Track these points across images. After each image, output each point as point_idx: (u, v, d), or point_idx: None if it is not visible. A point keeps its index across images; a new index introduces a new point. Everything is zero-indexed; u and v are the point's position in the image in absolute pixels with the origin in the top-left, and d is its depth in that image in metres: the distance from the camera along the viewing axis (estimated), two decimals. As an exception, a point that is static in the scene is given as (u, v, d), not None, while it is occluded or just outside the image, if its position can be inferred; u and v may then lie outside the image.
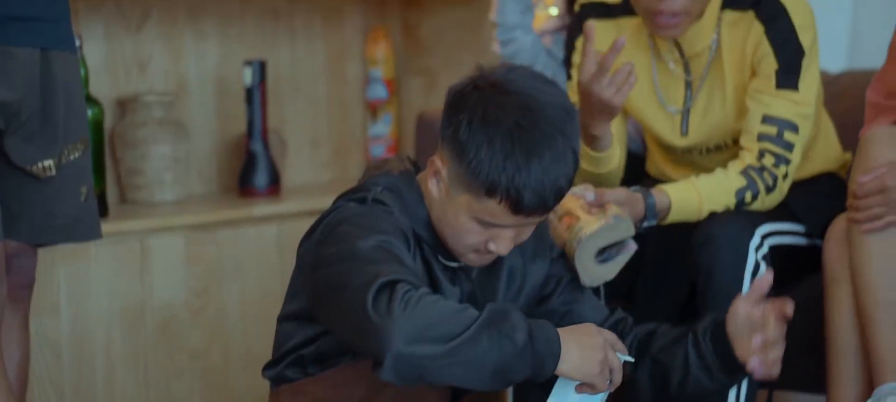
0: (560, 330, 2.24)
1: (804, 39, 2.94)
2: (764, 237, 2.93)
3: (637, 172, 3.26)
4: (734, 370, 2.49)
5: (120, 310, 3.37)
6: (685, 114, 3.05)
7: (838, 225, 2.90)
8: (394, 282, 2.15)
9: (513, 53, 3.54)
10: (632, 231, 2.67)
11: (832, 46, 4.55)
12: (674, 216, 2.90)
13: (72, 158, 2.75)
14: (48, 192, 2.72)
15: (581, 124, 2.81)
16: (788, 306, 2.47)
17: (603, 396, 2.32)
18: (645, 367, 2.55)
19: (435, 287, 2.41)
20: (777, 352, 2.47)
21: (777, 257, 2.96)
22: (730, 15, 2.99)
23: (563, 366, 2.22)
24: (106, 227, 3.27)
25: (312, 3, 4.17)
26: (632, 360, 2.41)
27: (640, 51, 3.06)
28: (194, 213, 3.58)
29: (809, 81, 2.95)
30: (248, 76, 3.83)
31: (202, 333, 3.51)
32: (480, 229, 2.33)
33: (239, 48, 4.00)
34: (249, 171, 3.85)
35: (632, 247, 2.68)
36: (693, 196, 2.91)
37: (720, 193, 2.92)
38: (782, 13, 2.94)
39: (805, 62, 2.94)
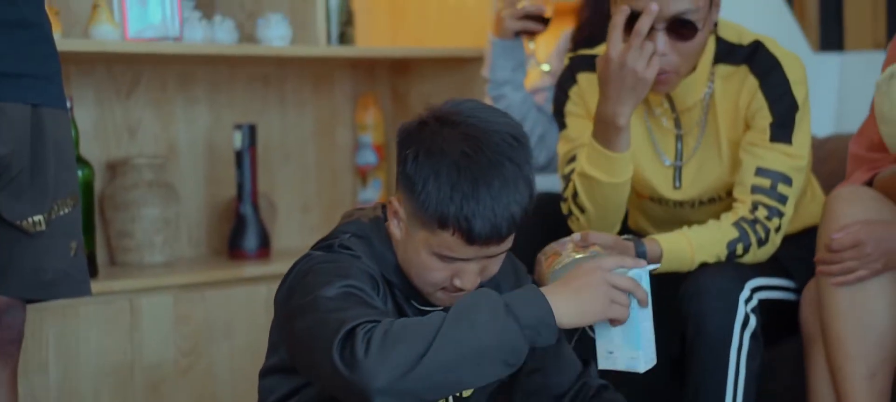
0: (550, 286, 2.23)
1: (798, 94, 2.96)
2: (754, 290, 2.93)
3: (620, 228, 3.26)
4: None
5: (109, 369, 3.36)
6: (678, 168, 3.07)
7: (811, 288, 2.95)
8: (353, 329, 2.14)
9: (503, 109, 3.58)
10: None
11: (820, 112, 4.60)
12: (665, 266, 2.90)
13: (61, 213, 2.75)
14: (37, 247, 2.71)
15: (602, 120, 2.87)
16: None
17: (646, 311, 2.30)
18: None
19: None
20: None
21: (767, 310, 2.96)
22: (723, 69, 3.01)
23: (564, 320, 2.20)
24: (95, 286, 3.29)
25: (302, 69, 4.20)
26: (655, 266, 2.39)
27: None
28: (184, 273, 3.58)
29: (802, 136, 2.97)
30: (237, 140, 3.85)
31: (191, 392, 3.50)
32: (443, 265, 2.32)
33: (229, 114, 4.03)
34: (239, 234, 3.86)
35: None
36: (685, 246, 2.92)
37: (712, 244, 2.93)
38: (777, 67, 2.97)
39: (798, 116, 2.96)
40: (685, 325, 2.91)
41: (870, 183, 2.97)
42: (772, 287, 3.00)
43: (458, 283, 2.33)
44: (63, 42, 3.28)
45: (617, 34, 2.84)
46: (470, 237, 2.26)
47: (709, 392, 2.88)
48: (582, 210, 3.01)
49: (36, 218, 2.71)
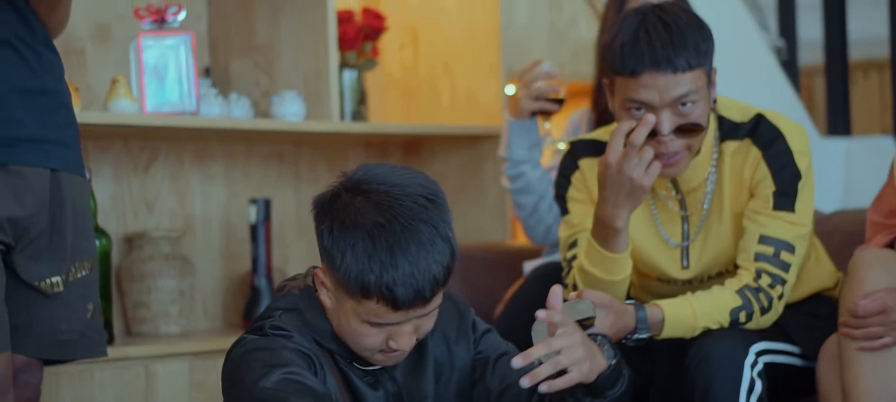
0: None
1: (800, 163, 2.99)
2: (758, 355, 2.94)
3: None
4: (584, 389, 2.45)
5: (124, 434, 3.42)
6: (685, 249, 3.10)
7: (831, 344, 2.96)
8: None
9: (522, 188, 3.65)
10: (591, 313, 2.62)
11: (828, 191, 4.67)
12: (668, 332, 2.93)
13: (79, 275, 2.80)
14: (55, 307, 2.76)
15: (601, 221, 2.90)
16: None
17: None
18: None
19: (356, 398, 2.43)
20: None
21: (772, 375, 2.97)
22: (730, 145, 3.04)
23: None
24: (112, 351, 3.34)
25: (316, 147, 4.28)
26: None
27: None
28: (199, 341, 3.64)
29: (805, 203, 3.00)
30: (252, 214, 3.93)
31: (205, 460, 3.55)
32: (375, 331, 2.35)
33: (244, 189, 4.11)
34: (254, 306, 3.91)
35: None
36: (687, 311, 2.93)
37: (715, 310, 2.94)
38: (779, 138, 3.00)
39: (801, 185, 2.99)
40: (691, 392, 2.92)
41: (891, 245, 3.01)
42: (777, 351, 3.01)
43: (393, 345, 2.36)
44: (82, 115, 3.36)
45: (618, 140, 2.86)
46: (395, 304, 2.29)
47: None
48: None
49: (54, 279, 2.75)
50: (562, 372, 2.37)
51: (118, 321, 3.79)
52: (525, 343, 3.17)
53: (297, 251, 4.24)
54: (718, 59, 3.41)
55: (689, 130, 2.89)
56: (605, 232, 2.92)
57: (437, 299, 2.36)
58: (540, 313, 2.42)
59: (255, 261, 3.94)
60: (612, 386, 2.45)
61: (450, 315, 2.56)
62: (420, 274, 2.29)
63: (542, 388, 2.34)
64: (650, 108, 2.87)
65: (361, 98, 4.19)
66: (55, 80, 2.77)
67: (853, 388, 2.84)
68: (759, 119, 3.03)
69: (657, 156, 2.91)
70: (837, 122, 5.78)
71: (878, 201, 3.09)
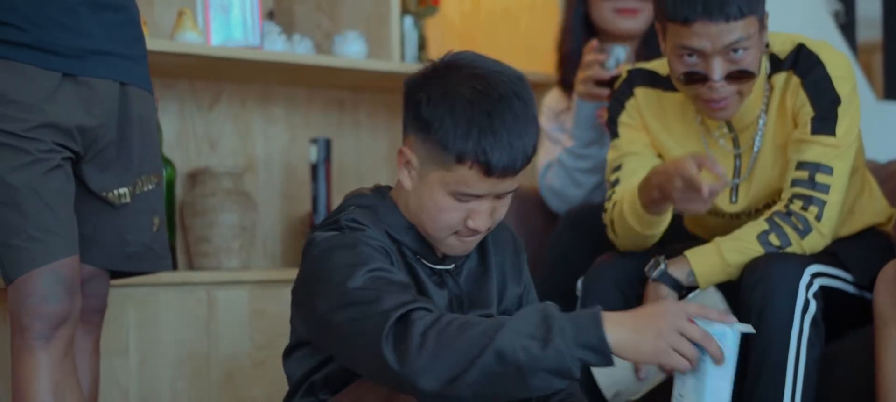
0: (618, 313, 2.21)
1: (840, 88, 3.00)
2: (813, 276, 2.96)
3: (676, 228, 3.28)
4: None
5: (187, 357, 3.47)
6: (735, 185, 3.12)
7: (889, 270, 2.95)
8: (403, 317, 2.21)
9: (590, 167, 3.68)
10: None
11: (885, 151, 4.67)
12: (704, 278, 2.99)
13: (146, 189, 2.85)
14: (122, 219, 2.82)
15: (654, 188, 2.93)
16: None
17: (721, 370, 2.24)
18: None
19: (421, 292, 2.44)
20: None
21: (827, 298, 2.99)
22: (778, 79, 3.06)
23: (619, 350, 2.20)
24: (175, 277, 3.41)
25: (376, 94, 4.32)
26: (747, 329, 2.29)
27: (689, 126, 3.14)
28: (260, 271, 3.70)
29: (846, 127, 3.00)
30: (313, 153, 3.98)
31: (265, 385, 3.59)
32: (457, 205, 2.38)
33: (305, 132, 4.16)
34: (313, 244, 3.96)
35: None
36: (711, 252, 2.99)
37: (740, 239, 2.98)
38: (818, 65, 3.01)
39: (841, 109, 3.00)
40: (748, 314, 2.94)
41: None
42: (831, 276, 3.02)
43: (470, 224, 2.39)
44: (150, 42, 3.42)
45: (690, 163, 2.84)
46: (488, 170, 2.33)
47: (769, 378, 2.91)
48: (616, 235, 3.11)
49: (121, 190, 2.81)
50: None
51: (181, 256, 3.84)
52: (562, 286, 3.24)
53: (357, 195, 4.28)
54: (775, 22, 3.44)
55: (740, 76, 2.92)
56: (651, 198, 2.96)
57: (520, 177, 2.41)
58: None
59: (315, 200, 3.99)
60: None
61: (507, 245, 2.62)
62: (515, 143, 2.34)
63: None
64: (702, 54, 2.90)
65: (422, 44, 4.23)
66: (124, -4, 2.83)
67: None
68: (801, 49, 3.05)
69: (707, 100, 2.95)
70: (894, 87, 5.78)
71: None
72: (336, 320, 2.26)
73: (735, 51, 2.89)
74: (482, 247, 2.57)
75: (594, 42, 3.62)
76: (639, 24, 3.71)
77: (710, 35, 2.87)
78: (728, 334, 2.22)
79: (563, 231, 3.56)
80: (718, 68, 2.89)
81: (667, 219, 3.03)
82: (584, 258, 3.29)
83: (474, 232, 2.42)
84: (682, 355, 2.20)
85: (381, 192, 2.52)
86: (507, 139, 2.33)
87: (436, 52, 4.44)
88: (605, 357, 2.20)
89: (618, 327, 2.21)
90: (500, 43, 4.46)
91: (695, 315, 2.23)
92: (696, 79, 2.93)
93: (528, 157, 2.38)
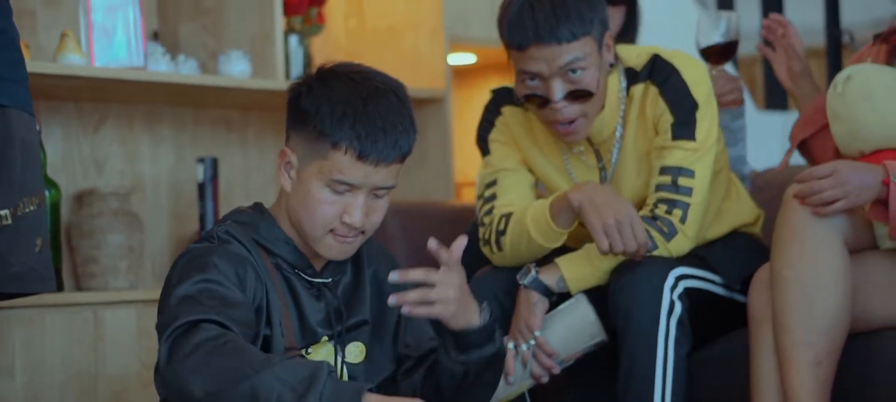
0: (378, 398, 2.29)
1: (697, 94, 3.08)
2: (678, 278, 3.04)
3: None
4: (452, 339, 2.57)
5: (74, 377, 3.47)
6: None
7: (763, 273, 3.04)
8: (192, 324, 2.30)
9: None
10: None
11: (765, 159, 4.78)
12: (576, 285, 3.07)
13: (28, 210, 2.82)
14: (4, 241, 2.77)
15: (566, 205, 3.00)
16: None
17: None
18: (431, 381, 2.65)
19: (297, 305, 2.54)
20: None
21: (695, 300, 3.06)
22: (636, 90, 3.13)
23: None
24: (61, 298, 3.42)
25: (263, 113, 4.35)
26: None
27: (552, 145, 3.21)
28: (147, 290, 3.71)
29: (705, 130, 3.08)
30: (200, 173, 4.00)
31: (153, 404, 3.60)
32: (333, 198, 2.48)
33: (192, 152, 4.18)
34: (201, 262, 3.97)
35: None
36: (582, 257, 3.08)
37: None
38: (674, 72, 3.10)
39: (699, 114, 3.08)
40: (616, 318, 3.03)
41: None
42: (697, 278, 3.10)
43: (346, 219, 2.49)
44: (32, 65, 3.42)
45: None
46: (361, 154, 2.44)
47: (639, 379, 2.99)
48: (500, 249, 3.16)
49: (2, 212, 2.77)
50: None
51: (68, 278, 3.84)
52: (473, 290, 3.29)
53: (245, 213, 4.30)
54: (657, 38, 3.51)
55: (579, 96, 3.01)
56: (559, 207, 3.03)
57: (394, 176, 2.51)
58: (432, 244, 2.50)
59: (202, 219, 4.01)
60: (479, 347, 2.58)
61: (382, 261, 2.71)
62: (388, 131, 2.47)
63: (404, 310, 2.47)
64: (541, 77, 3.00)
65: (308, 62, 4.27)
66: (4, 18, 2.81)
67: (782, 311, 2.92)
68: (656, 59, 3.13)
69: (553, 123, 3.05)
70: (775, 98, 5.92)
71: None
72: (158, 320, 2.40)
73: (573, 71, 2.99)
74: (356, 261, 2.65)
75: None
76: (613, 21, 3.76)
77: (545, 58, 2.97)
78: None
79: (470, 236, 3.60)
80: (557, 89, 2.99)
81: (564, 236, 3.09)
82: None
83: (350, 229, 2.49)
84: None
85: (260, 208, 2.61)
86: (381, 125, 2.45)
87: (321, 70, 4.48)
88: None
89: None
90: (386, 60, 4.51)
91: None
92: (539, 102, 3.02)
93: (403, 152, 2.49)
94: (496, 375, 2.66)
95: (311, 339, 2.56)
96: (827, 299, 2.89)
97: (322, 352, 2.57)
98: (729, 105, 3.52)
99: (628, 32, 3.91)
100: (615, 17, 3.81)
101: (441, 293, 2.49)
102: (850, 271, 2.92)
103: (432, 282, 2.48)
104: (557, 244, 3.10)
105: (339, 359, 2.59)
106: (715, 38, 3.43)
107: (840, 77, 3.02)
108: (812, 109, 3.32)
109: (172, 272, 2.48)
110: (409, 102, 2.54)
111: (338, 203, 2.49)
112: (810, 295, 2.89)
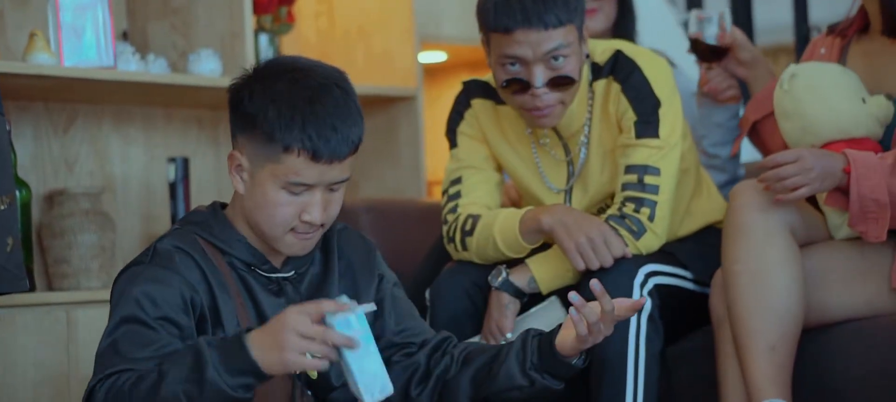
0: (256, 334, 2.27)
1: (660, 92, 3.09)
2: (648, 275, 3.05)
3: None
4: (552, 360, 2.58)
5: (46, 378, 3.45)
6: (567, 191, 3.21)
7: (722, 273, 3.08)
8: (100, 382, 2.35)
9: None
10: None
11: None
12: (548, 284, 3.09)
13: None
14: None
15: (536, 226, 3.03)
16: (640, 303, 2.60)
17: (361, 351, 2.28)
18: (469, 369, 2.66)
19: (255, 303, 2.53)
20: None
21: (665, 296, 3.08)
22: (599, 86, 3.15)
23: (271, 370, 2.27)
24: (33, 298, 3.40)
25: (234, 112, 4.34)
26: (369, 308, 2.32)
27: (521, 137, 3.23)
28: (119, 290, 3.69)
29: (669, 127, 3.09)
30: (171, 172, 4.00)
31: (126, 404, 3.59)
32: (290, 199, 2.45)
33: (164, 152, 4.17)
34: (173, 262, 3.96)
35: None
36: (552, 258, 3.09)
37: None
38: (635, 70, 3.11)
39: (662, 112, 3.09)
40: None
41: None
42: (667, 274, 3.12)
43: (305, 218, 2.46)
44: (1, 65, 3.43)
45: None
46: (315, 155, 2.41)
47: (610, 376, 3.00)
48: (465, 249, 3.17)
49: None
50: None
51: (40, 278, 3.83)
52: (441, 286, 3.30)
53: (217, 213, 4.29)
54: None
55: (561, 82, 3.01)
56: (531, 226, 3.05)
57: (349, 169, 2.48)
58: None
59: (174, 219, 4.00)
60: (557, 378, 2.63)
61: (357, 247, 2.69)
62: (339, 127, 2.42)
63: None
64: (523, 62, 2.99)
65: (278, 61, 4.26)
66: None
67: (735, 302, 2.97)
68: (618, 55, 3.14)
69: (530, 109, 3.05)
70: (747, 94, 5.93)
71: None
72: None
73: (556, 58, 2.99)
74: (326, 251, 2.63)
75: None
76: (599, 23, 3.76)
77: (531, 43, 2.97)
78: (351, 320, 2.27)
79: (432, 254, 3.61)
80: (540, 75, 2.99)
81: (529, 248, 3.11)
82: (434, 269, 3.37)
83: (310, 226, 2.48)
84: (318, 355, 2.25)
85: (215, 208, 2.59)
86: (331, 123, 2.41)
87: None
88: (261, 376, 2.27)
89: (257, 345, 2.27)
90: (357, 59, 4.52)
91: (315, 313, 2.26)
92: (519, 87, 3.01)
93: (355, 144, 2.46)
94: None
95: None
96: (775, 286, 2.94)
97: None
98: (727, 102, 3.53)
99: (624, 25, 3.85)
100: (608, 8, 3.79)
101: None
102: (798, 259, 2.97)
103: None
104: (523, 254, 3.11)
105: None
106: (709, 39, 3.42)
107: (785, 75, 3.07)
108: (764, 91, 3.37)
109: (112, 296, 2.51)
110: (353, 90, 2.50)
111: (295, 203, 2.46)
112: (758, 284, 2.94)
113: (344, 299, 2.29)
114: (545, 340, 2.59)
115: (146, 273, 2.46)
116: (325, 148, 2.41)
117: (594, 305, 2.50)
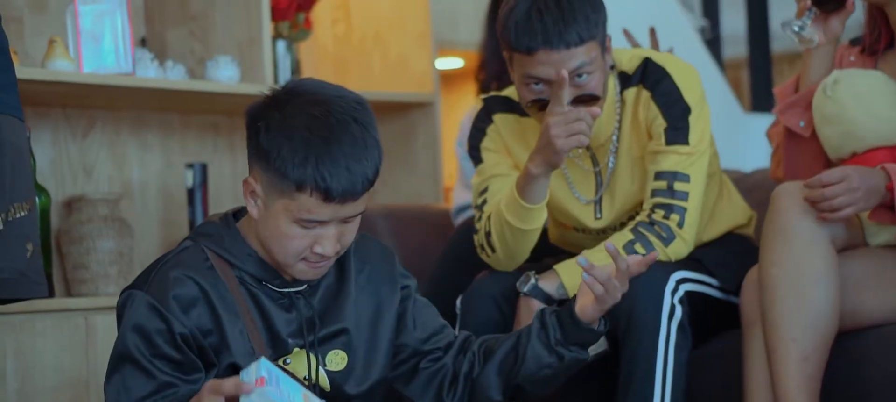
0: None
1: (689, 98, 3.09)
2: (678, 282, 3.05)
3: (546, 244, 3.38)
4: (575, 330, 2.61)
5: (65, 384, 3.47)
6: (597, 201, 3.20)
7: (753, 274, 3.07)
8: None
9: None
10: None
11: (751, 159, 4.80)
12: (574, 288, 3.04)
13: (18, 216, 2.82)
14: None
15: (523, 171, 3.00)
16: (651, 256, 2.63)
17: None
18: (493, 362, 2.65)
19: (265, 319, 2.52)
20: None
21: (693, 304, 3.08)
22: (629, 94, 3.14)
23: None
24: (52, 304, 3.41)
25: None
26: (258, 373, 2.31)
27: None
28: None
29: (698, 134, 3.09)
30: (189, 178, 4.01)
31: (144, 409, 3.60)
32: (303, 232, 2.42)
33: (181, 158, 4.18)
34: (191, 268, 3.97)
35: None
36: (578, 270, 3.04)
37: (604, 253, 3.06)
38: (665, 77, 3.10)
39: (692, 118, 3.09)
40: (616, 322, 3.02)
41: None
42: (696, 281, 3.11)
43: (318, 250, 2.44)
44: (20, 71, 3.43)
45: (560, 95, 2.94)
46: (328, 195, 2.37)
47: (639, 383, 2.99)
48: (492, 250, 3.16)
49: None
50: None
51: (59, 284, 3.84)
52: (455, 287, 3.30)
53: (234, 218, 4.31)
54: (644, 37, 3.49)
55: (586, 100, 2.99)
56: (523, 181, 3.02)
57: (364, 202, 2.45)
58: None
59: (192, 225, 4.01)
60: (582, 346, 2.66)
61: (376, 257, 2.67)
62: (353, 168, 2.38)
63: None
64: (547, 82, 2.97)
65: (295, 68, 4.28)
66: (-10, 25, 2.84)
67: (770, 308, 2.94)
68: (647, 63, 3.13)
69: None
70: (761, 99, 5.95)
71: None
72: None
73: (579, 76, 2.97)
74: (342, 263, 2.61)
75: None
76: None
77: (553, 63, 2.95)
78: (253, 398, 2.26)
79: (459, 237, 3.61)
80: (566, 94, 2.96)
81: (543, 213, 3.08)
82: (465, 278, 3.36)
83: (322, 258, 2.46)
84: None
85: (228, 220, 2.56)
86: (345, 164, 2.37)
87: (310, 75, 4.49)
88: None
89: None
90: (373, 66, 4.53)
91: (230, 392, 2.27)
92: (544, 106, 3.00)
93: (370, 180, 2.42)
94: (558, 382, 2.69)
95: (282, 350, 2.53)
96: (813, 296, 2.91)
97: (299, 361, 2.55)
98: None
99: None
100: None
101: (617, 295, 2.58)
102: (837, 269, 2.94)
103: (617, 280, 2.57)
104: (536, 225, 3.08)
105: (319, 368, 2.55)
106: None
107: (828, 81, 3.05)
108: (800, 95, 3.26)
109: (117, 311, 2.55)
110: (372, 121, 2.45)
111: (308, 236, 2.43)
112: (797, 292, 2.92)
113: (263, 362, 2.28)
114: (564, 313, 2.60)
115: (142, 303, 2.48)
116: (337, 188, 2.38)
117: (604, 265, 2.52)
